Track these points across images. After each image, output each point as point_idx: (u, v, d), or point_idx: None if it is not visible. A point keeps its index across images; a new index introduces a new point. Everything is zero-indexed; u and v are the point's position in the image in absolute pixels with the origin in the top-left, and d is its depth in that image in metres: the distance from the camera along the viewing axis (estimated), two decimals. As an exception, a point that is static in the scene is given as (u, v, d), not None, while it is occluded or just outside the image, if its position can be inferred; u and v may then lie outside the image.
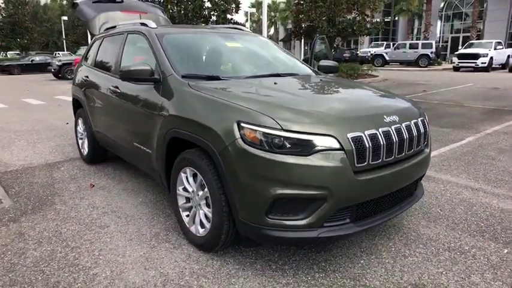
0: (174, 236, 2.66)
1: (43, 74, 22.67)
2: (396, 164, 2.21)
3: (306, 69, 3.47)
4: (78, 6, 4.84)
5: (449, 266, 2.29)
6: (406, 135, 2.23)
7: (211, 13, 11.37)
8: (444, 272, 2.22)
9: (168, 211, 3.09)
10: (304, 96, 2.51)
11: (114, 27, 4.26)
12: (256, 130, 1.95)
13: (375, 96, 2.71)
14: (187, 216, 2.57)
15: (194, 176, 2.41)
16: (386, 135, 2.12)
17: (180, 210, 2.60)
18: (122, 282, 2.14)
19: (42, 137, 6.00)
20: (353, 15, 14.47)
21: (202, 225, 2.42)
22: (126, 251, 2.48)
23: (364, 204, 2.12)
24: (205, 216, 2.37)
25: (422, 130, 2.41)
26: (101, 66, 3.92)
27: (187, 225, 2.54)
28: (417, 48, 25.66)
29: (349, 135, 1.98)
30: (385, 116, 2.20)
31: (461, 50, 22.86)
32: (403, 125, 2.25)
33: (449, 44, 37.16)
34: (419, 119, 2.43)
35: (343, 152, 1.94)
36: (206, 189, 2.27)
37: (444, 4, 36.43)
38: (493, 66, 21.70)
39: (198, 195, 2.40)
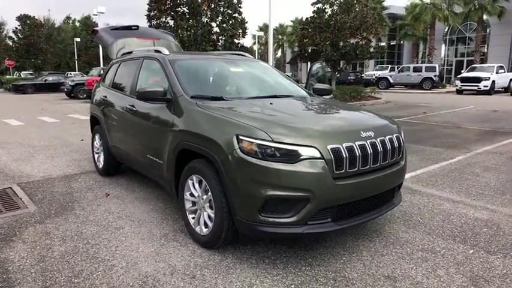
0: (181, 236, 3.03)
1: (56, 94, 23.51)
2: (372, 172, 2.59)
3: (301, 92, 3.90)
4: (98, 33, 5.37)
5: (420, 262, 2.62)
6: (380, 148, 2.62)
7: (220, 37, 12.06)
8: (414, 267, 2.56)
9: (176, 216, 3.47)
10: (294, 114, 2.92)
11: (130, 52, 4.77)
12: (252, 142, 2.36)
13: (356, 115, 3.11)
14: (193, 218, 2.95)
15: (200, 182, 2.80)
16: (362, 147, 2.51)
17: (187, 213, 2.99)
18: (136, 271, 2.50)
19: (59, 152, 6.46)
20: (356, 40, 15.07)
21: (206, 225, 2.79)
22: (139, 247, 2.85)
23: (343, 206, 2.49)
24: (209, 217, 2.74)
25: (396, 144, 2.80)
26: (118, 87, 4.40)
27: (193, 226, 2.92)
28: (421, 71, 26.24)
29: (329, 147, 2.37)
30: (361, 132, 2.59)
31: (464, 74, 23.36)
32: (378, 139, 2.64)
33: (453, 67, 37.74)
34: (394, 135, 2.82)
35: (323, 160, 2.33)
36: (210, 193, 2.65)
37: (448, 29, 37.21)
38: (496, 89, 22.10)
39: (203, 199, 2.78)
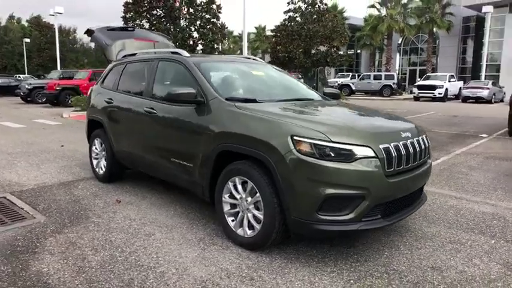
0: (219, 240, 2.99)
1: (8, 98, 21.93)
2: (411, 170, 2.74)
3: (316, 95, 4.00)
4: (94, 33, 5.16)
5: (454, 253, 2.80)
6: (417, 147, 2.78)
7: (199, 42, 11.94)
8: (451, 258, 2.73)
9: (203, 220, 3.41)
10: (336, 116, 3.02)
11: (133, 54, 4.64)
12: (309, 142, 2.41)
13: (388, 116, 3.26)
14: (233, 221, 2.93)
15: (243, 183, 2.79)
16: (405, 147, 2.65)
17: (226, 216, 2.96)
18: (190, 276, 2.44)
19: (42, 158, 6.06)
20: (326, 48, 15.63)
21: (250, 227, 2.79)
22: (181, 253, 2.78)
23: (390, 203, 2.61)
24: (255, 218, 2.74)
25: (426, 145, 2.98)
26: (127, 90, 4.25)
27: (234, 229, 2.89)
28: (381, 79, 27.64)
29: (381, 146, 2.49)
30: (401, 132, 2.74)
31: (420, 82, 24.96)
32: (415, 139, 2.80)
33: (407, 76, 40.16)
34: (423, 136, 3.00)
35: (377, 159, 2.44)
36: (258, 194, 2.66)
37: (402, 40, 39.55)
38: (448, 96, 23.84)
39: (247, 200, 2.78)
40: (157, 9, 11.96)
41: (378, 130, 2.69)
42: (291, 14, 17.03)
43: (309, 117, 2.87)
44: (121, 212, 3.65)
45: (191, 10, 11.47)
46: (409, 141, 2.72)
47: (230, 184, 2.88)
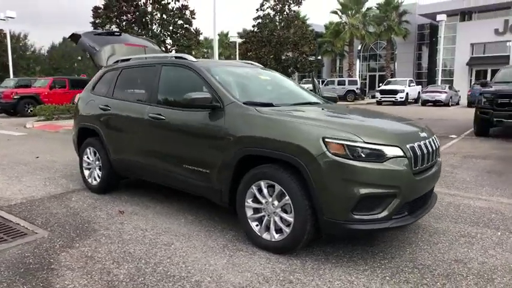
0: (243, 246, 2.95)
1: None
2: (429, 169, 2.86)
3: (320, 99, 4.08)
4: (81, 38, 4.94)
5: (469, 246, 2.95)
6: (432, 147, 2.91)
7: (173, 48, 11.74)
8: (468, 250, 2.87)
9: (219, 227, 3.35)
10: (358, 117, 3.10)
11: (127, 59, 4.50)
12: (342, 144, 2.45)
13: (403, 119, 3.35)
14: (257, 225, 2.90)
15: (268, 187, 2.78)
16: (425, 146, 2.77)
17: (249, 221, 2.92)
18: (228, 283, 2.39)
19: (20, 171, 5.69)
20: (296, 54, 15.96)
21: (277, 231, 2.77)
22: (209, 260, 2.71)
23: (415, 200, 2.71)
24: (283, 221, 2.73)
25: (438, 145, 3.12)
26: (127, 96, 4.10)
27: (259, 234, 2.87)
28: (344, 84, 28.57)
29: (408, 146, 2.58)
30: (419, 133, 2.86)
31: (383, 87, 26.08)
32: (431, 139, 2.93)
33: (367, 81, 41.82)
34: (434, 136, 3.15)
35: (406, 158, 2.53)
36: (287, 197, 2.66)
37: (361, 47, 41.16)
38: (409, 100, 25.10)
39: (273, 204, 2.77)
40: (127, 15, 11.66)
41: (403, 130, 2.79)
42: (260, 20, 17.25)
43: (335, 119, 2.92)
44: (128, 222, 3.50)
45: (164, 16, 11.29)
46: (426, 141, 2.84)
47: (254, 188, 2.86)
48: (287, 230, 2.70)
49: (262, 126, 2.81)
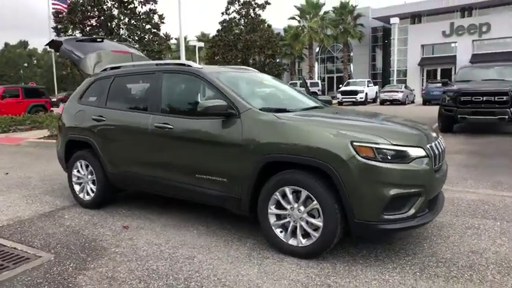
0: (268, 253, 2.92)
1: None
2: (441, 167, 3.01)
3: (319, 102, 4.15)
4: (62, 45, 4.67)
5: (478, 237, 3.14)
6: (442, 146, 3.07)
7: (143, 53, 11.43)
8: (479, 241, 3.05)
9: (236, 236, 3.30)
10: (375, 120, 3.19)
11: (118, 67, 4.32)
12: (370, 147, 2.52)
13: (410, 120, 3.47)
14: (281, 232, 2.89)
15: (294, 193, 2.79)
16: (438, 145, 2.91)
17: (273, 227, 2.91)
18: (267, 293, 2.36)
19: (-6, 190, 5.25)
20: (263, 58, 16.11)
21: (304, 236, 2.78)
22: (240, 271, 2.66)
23: (433, 198, 2.83)
24: (309, 226, 2.75)
25: (444, 144, 3.29)
26: (123, 105, 3.93)
27: (284, 240, 2.86)
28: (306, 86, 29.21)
29: (427, 146, 2.70)
30: (432, 134, 3.01)
31: (343, 88, 27.00)
32: (439, 139, 3.09)
33: (326, 83, 43.08)
34: (441, 137, 3.31)
35: (428, 158, 2.64)
36: (315, 202, 2.68)
37: (319, 49, 42.32)
38: (368, 100, 26.19)
39: (299, 210, 2.77)
40: (90, 20, 11.17)
41: (421, 132, 2.91)
42: (225, 24, 17.24)
43: (356, 123, 2.99)
44: (138, 238, 3.35)
45: (132, 21, 10.92)
46: (437, 141, 2.98)
47: (278, 195, 2.85)
48: (316, 234, 2.72)
49: (287, 133, 2.81)
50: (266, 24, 17.78)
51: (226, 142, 3.07)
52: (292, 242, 2.84)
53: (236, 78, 3.70)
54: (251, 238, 3.24)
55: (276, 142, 2.83)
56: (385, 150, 2.53)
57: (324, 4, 36.17)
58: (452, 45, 32.74)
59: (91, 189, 4.21)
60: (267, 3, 17.23)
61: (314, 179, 2.68)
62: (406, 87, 26.43)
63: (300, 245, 2.79)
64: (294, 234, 2.84)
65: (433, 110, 12.81)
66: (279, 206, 2.89)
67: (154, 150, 3.57)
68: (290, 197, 2.81)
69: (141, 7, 11.26)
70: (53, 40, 5.02)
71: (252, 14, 17.21)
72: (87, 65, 4.58)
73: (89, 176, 4.22)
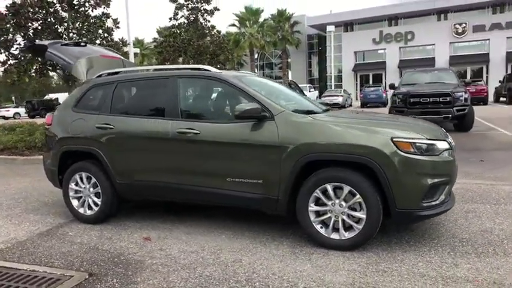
0: (310, 248, 3.05)
1: None
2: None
3: (322, 105, 4.39)
4: (48, 50, 4.34)
5: (479, 219, 3.57)
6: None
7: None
8: (483, 222, 3.48)
9: (268, 236, 3.37)
10: (398, 119, 3.49)
11: (116, 73, 4.16)
12: (409, 142, 2.79)
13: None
14: (322, 227, 3.04)
15: (335, 189, 2.96)
16: (451, 139, 3.29)
17: (314, 224, 3.05)
18: (335, 284, 2.49)
19: (-38, 212, 4.67)
20: (214, 64, 16.06)
21: (346, 229, 2.96)
22: (295, 267, 2.75)
23: (449, 187, 3.20)
24: (351, 219, 2.94)
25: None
26: (133, 111, 3.79)
27: (326, 235, 3.01)
28: (252, 91, 29.75)
29: (448, 140, 3.05)
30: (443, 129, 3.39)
31: (287, 92, 27.89)
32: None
33: (266, 88, 44.14)
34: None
35: (451, 150, 2.99)
36: (357, 196, 2.87)
37: (258, 56, 43.25)
38: (312, 103, 27.45)
39: (341, 204, 2.95)
40: (33, 22, 10.29)
41: (439, 128, 3.26)
42: (174, 30, 16.95)
43: (386, 122, 3.27)
44: (169, 247, 3.26)
45: (84, 25, 10.26)
46: (449, 135, 3.37)
47: (319, 192, 3.00)
48: (358, 226, 2.91)
49: (327, 133, 2.97)
50: (215, 30, 17.82)
51: (261, 144, 3.14)
52: (334, 236, 3.00)
53: (255, 81, 3.78)
54: (284, 237, 3.33)
55: (317, 142, 2.97)
56: (420, 144, 2.82)
57: (263, 11, 37.20)
58: (382, 51, 35.61)
59: (94, 203, 3.96)
60: (216, 9, 17.29)
61: (356, 174, 2.88)
62: (344, 91, 28.16)
63: (343, 238, 2.96)
64: (335, 228, 3.01)
65: (377, 112, 13.80)
66: (318, 203, 3.03)
67: (177, 156, 3.50)
68: (331, 193, 2.97)
69: (92, 11, 10.67)
70: (34, 44, 4.63)
71: (202, 20, 17.14)
72: (79, 71, 4.31)
73: (91, 189, 3.97)
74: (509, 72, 28.47)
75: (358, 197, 2.88)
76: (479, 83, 23.02)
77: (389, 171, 2.77)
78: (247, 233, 3.49)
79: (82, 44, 4.80)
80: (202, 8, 17.19)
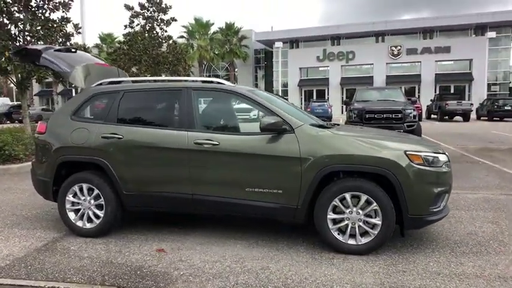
0: (328, 254, 3.26)
1: None
2: None
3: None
4: (42, 55, 4.11)
5: (461, 223, 4.07)
6: None
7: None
8: (465, 226, 3.97)
9: (283, 244, 3.52)
10: (399, 135, 3.88)
11: (118, 82, 4.10)
12: (419, 155, 3.16)
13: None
14: (339, 234, 3.28)
15: (353, 197, 3.22)
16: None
17: (332, 231, 3.28)
18: (367, 285, 2.72)
19: None
20: (168, 74, 15.88)
21: (362, 235, 3.23)
22: (324, 272, 2.94)
23: (444, 195, 3.63)
24: (367, 225, 3.22)
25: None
26: (144, 122, 3.76)
27: (343, 241, 3.26)
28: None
29: (446, 153, 3.49)
30: (432, 143, 3.85)
31: (236, 106, 28.19)
32: None
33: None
34: None
35: (449, 162, 3.42)
36: (374, 204, 3.16)
37: (204, 67, 43.21)
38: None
39: (358, 212, 3.22)
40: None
41: (436, 143, 3.69)
42: (129, 38, 16.49)
43: (396, 137, 3.62)
44: (188, 259, 3.26)
45: (40, 29, 9.55)
46: (440, 149, 3.84)
47: (337, 200, 3.24)
48: (374, 232, 3.20)
49: (347, 145, 3.24)
50: (172, 41, 17.64)
51: (282, 156, 3.32)
52: (351, 241, 3.25)
53: (264, 96, 3.95)
54: (298, 245, 3.51)
55: (338, 154, 3.22)
56: (427, 157, 3.20)
57: (213, 24, 37.51)
58: (324, 68, 37.67)
59: (95, 215, 3.81)
60: (173, 19, 17.16)
61: (372, 184, 3.17)
62: (293, 105, 29.20)
63: (360, 243, 3.23)
64: (351, 235, 3.26)
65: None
66: (336, 211, 3.27)
67: (193, 166, 3.53)
68: (349, 201, 3.23)
69: (49, 14, 10.02)
70: (25, 48, 4.34)
71: (158, 29, 16.88)
72: (77, 78, 4.14)
73: (92, 201, 3.81)
74: (438, 92, 31.83)
75: (374, 205, 3.17)
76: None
77: (404, 181, 3.11)
78: (261, 242, 3.60)
79: (73, 50, 4.60)
80: (158, 18, 16.97)
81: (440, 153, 3.36)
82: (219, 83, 3.78)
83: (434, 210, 3.24)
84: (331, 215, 3.27)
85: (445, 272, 2.91)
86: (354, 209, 3.23)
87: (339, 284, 2.75)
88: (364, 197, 3.19)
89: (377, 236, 3.20)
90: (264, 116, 3.41)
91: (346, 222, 3.27)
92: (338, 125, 4.20)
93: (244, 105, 3.86)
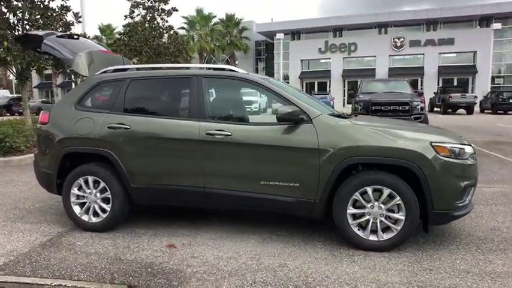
0: (348, 251, 3.11)
1: None
2: None
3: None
4: (44, 41, 3.91)
5: (481, 219, 3.91)
6: None
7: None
8: (487, 222, 3.82)
9: (299, 239, 3.37)
10: (424, 126, 3.70)
11: (124, 70, 3.91)
12: (446, 147, 2.98)
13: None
14: (359, 229, 3.12)
15: (375, 191, 3.05)
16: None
17: (352, 226, 3.11)
18: (393, 284, 2.57)
19: None
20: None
21: (384, 231, 3.07)
22: (345, 269, 2.79)
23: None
24: (389, 221, 3.05)
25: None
26: (153, 111, 3.58)
27: (364, 237, 3.09)
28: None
29: (471, 145, 3.31)
30: (455, 135, 3.68)
31: (241, 97, 28.11)
32: None
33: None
34: None
35: (474, 154, 3.24)
36: (397, 198, 2.99)
37: (205, 59, 42.84)
38: (261, 109, 27.93)
39: (380, 207, 3.05)
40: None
41: (460, 135, 3.52)
42: (129, 28, 16.19)
43: (420, 128, 3.45)
44: (201, 255, 3.10)
45: (44, 18, 9.32)
46: (465, 141, 3.67)
47: (358, 194, 3.07)
48: (397, 227, 3.04)
49: (369, 137, 3.05)
50: (173, 31, 17.34)
51: (300, 147, 3.14)
52: (372, 238, 3.09)
53: (280, 84, 3.77)
54: (315, 240, 3.36)
55: (361, 145, 3.04)
56: (454, 149, 3.03)
57: (215, 17, 37.08)
58: (326, 60, 37.31)
59: (101, 209, 3.64)
60: (174, 9, 16.84)
61: (394, 177, 3.00)
62: (308, 95, 29.07)
63: (381, 240, 3.07)
64: (372, 231, 3.10)
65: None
66: (356, 205, 3.11)
67: (205, 158, 3.35)
68: (371, 196, 3.06)
69: (49, 2, 9.77)
70: (26, 34, 4.14)
71: (159, 20, 16.58)
72: (80, 65, 3.95)
73: (98, 194, 3.64)
74: (441, 84, 31.56)
75: (398, 199, 3.00)
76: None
77: (430, 173, 2.93)
78: (275, 237, 3.45)
79: (75, 37, 4.40)
80: (159, 8, 16.65)
81: (466, 144, 3.19)
82: (231, 70, 3.58)
83: (460, 204, 3.07)
84: (351, 210, 3.11)
85: (474, 270, 2.75)
86: (376, 203, 3.07)
87: (363, 282, 2.60)
88: (386, 191, 3.02)
89: (400, 231, 3.03)
90: (281, 106, 3.22)
91: (367, 217, 3.10)
92: (356, 115, 4.00)
93: (246, 98, 3.67)
